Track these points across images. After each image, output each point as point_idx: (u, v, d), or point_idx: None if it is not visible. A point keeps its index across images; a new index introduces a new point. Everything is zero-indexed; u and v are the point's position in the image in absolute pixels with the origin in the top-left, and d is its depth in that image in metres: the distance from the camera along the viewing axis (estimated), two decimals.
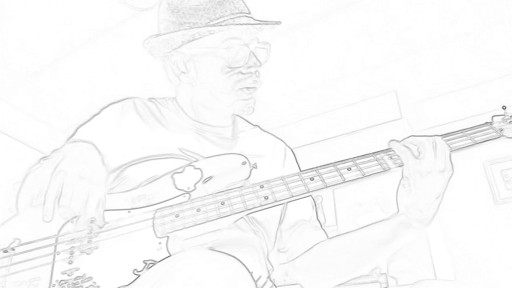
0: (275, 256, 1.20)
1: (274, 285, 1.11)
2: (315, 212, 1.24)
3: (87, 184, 0.95)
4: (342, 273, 1.12)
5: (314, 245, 1.17)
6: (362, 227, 1.12)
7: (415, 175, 1.02)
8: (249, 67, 1.15)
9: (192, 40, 1.15)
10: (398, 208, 1.07)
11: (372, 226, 1.10)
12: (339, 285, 1.14)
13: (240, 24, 1.13)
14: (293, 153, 1.30)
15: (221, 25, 1.12)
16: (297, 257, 1.17)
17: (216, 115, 1.20)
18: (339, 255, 1.12)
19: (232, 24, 1.12)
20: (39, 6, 2.25)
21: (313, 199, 1.26)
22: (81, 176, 0.95)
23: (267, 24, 1.16)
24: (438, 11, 2.41)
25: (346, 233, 1.15)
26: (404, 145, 1.05)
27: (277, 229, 1.20)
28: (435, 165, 1.01)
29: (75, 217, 0.94)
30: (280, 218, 1.21)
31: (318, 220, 1.25)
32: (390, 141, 1.08)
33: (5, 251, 0.96)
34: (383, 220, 1.09)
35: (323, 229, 1.22)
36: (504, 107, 1.13)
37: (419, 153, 1.03)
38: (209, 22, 1.13)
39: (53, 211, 0.92)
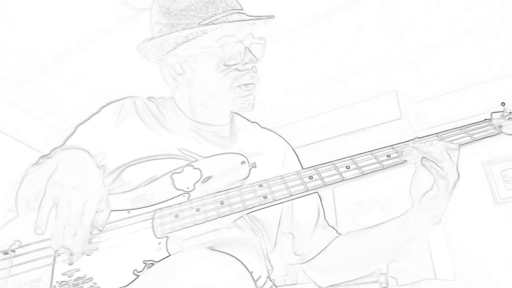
0: (285, 256, 1.21)
1: (274, 285, 1.11)
2: (322, 211, 1.25)
3: (82, 195, 0.95)
4: (362, 271, 1.14)
5: (328, 245, 1.18)
6: (378, 226, 1.13)
7: (446, 189, 1.04)
8: (246, 63, 1.15)
9: (186, 41, 1.16)
10: (412, 199, 1.08)
11: (389, 225, 1.11)
12: (339, 284, 1.15)
13: (233, 22, 1.13)
14: (294, 150, 1.30)
15: (214, 24, 1.12)
16: (312, 258, 1.18)
17: (214, 113, 1.20)
18: (360, 256, 1.13)
19: (226, 21, 1.12)
20: (39, 6, 2.25)
21: (320, 197, 1.27)
22: (76, 187, 0.95)
23: (259, 19, 1.16)
24: (439, 11, 2.40)
25: (363, 230, 1.16)
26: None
27: (278, 231, 1.20)
28: (456, 178, 1.03)
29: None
30: (280, 221, 1.21)
31: (325, 218, 1.25)
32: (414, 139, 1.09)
33: (6, 253, 0.96)
34: (396, 218, 1.10)
35: (331, 226, 1.23)
36: (503, 104, 1.13)
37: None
38: (201, 22, 1.13)
39: (46, 223, 0.92)
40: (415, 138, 1.09)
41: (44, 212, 0.91)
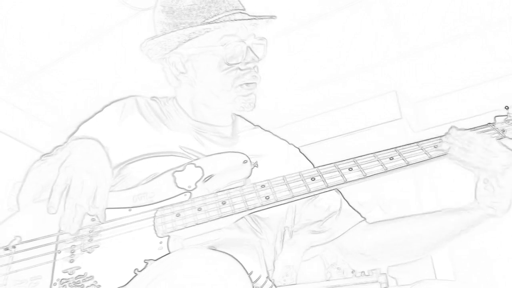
0: (304, 238, 1.20)
1: (274, 285, 1.11)
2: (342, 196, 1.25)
3: (95, 178, 0.96)
4: (409, 257, 1.14)
5: (368, 226, 1.17)
6: (435, 213, 1.12)
7: (495, 175, 1.03)
8: (247, 63, 1.16)
9: (189, 40, 1.16)
10: (479, 204, 1.08)
11: (448, 215, 1.11)
12: (340, 285, 1.15)
13: (236, 20, 1.14)
14: (299, 148, 1.30)
15: (216, 22, 1.12)
16: (340, 236, 1.17)
17: (216, 113, 1.21)
18: (411, 242, 1.13)
19: (228, 20, 1.13)
20: (39, 6, 2.25)
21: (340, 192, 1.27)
22: (89, 171, 0.96)
23: (262, 18, 1.17)
24: (439, 11, 2.41)
25: (417, 215, 1.16)
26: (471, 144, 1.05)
27: (283, 226, 1.20)
28: (507, 159, 1.02)
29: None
30: (286, 216, 1.21)
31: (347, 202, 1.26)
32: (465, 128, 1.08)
33: (6, 249, 0.96)
34: (460, 209, 1.10)
35: (361, 215, 1.23)
36: (506, 107, 1.13)
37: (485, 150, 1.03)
38: (204, 21, 1.14)
39: (59, 203, 0.93)
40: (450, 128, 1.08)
41: (57, 192, 0.93)
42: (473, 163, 1.04)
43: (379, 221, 1.19)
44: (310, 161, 1.26)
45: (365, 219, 1.21)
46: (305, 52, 2.66)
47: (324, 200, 1.22)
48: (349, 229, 1.18)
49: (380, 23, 2.48)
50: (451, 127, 1.08)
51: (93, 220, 0.98)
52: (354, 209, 1.24)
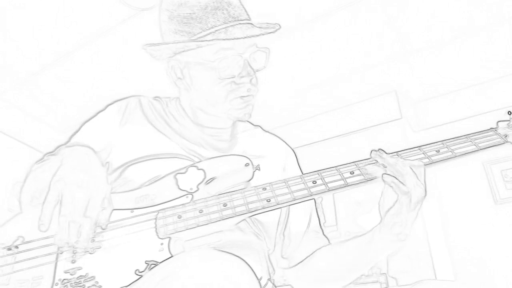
0: (277, 259, 1.20)
1: (274, 285, 1.11)
2: (315, 219, 1.23)
3: (86, 192, 0.95)
4: (333, 284, 1.13)
5: (311, 254, 1.16)
6: (350, 240, 1.11)
7: (408, 205, 1.02)
8: (242, 77, 1.12)
9: (183, 51, 1.14)
10: (380, 215, 1.06)
11: (358, 240, 1.10)
12: None
13: (228, 39, 1.09)
14: (295, 154, 1.29)
15: (207, 40, 1.08)
16: (296, 264, 1.17)
17: (215, 118, 1.19)
18: (331, 269, 1.12)
19: (219, 39, 1.09)
20: (40, 6, 2.25)
21: (315, 204, 1.25)
22: (79, 185, 0.95)
23: (261, 34, 1.13)
24: (439, 11, 2.41)
25: (339, 243, 1.15)
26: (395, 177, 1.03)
27: (276, 232, 1.20)
28: (422, 194, 1.01)
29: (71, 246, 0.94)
30: (279, 222, 1.20)
31: (320, 225, 1.23)
32: (383, 175, 1.05)
33: (9, 249, 0.96)
34: (365, 234, 1.09)
35: (324, 234, 1.21)
36: (509, 113, 1.12)
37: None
38: (200, 32, 1.11)
39: (50, 220, 0.92)
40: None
41: (48, 208, 0.92)
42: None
43: (324, 246, 1.18)
44: (301, 170, 1.24)
45: (329, 243, 1.18)
46: (305, 52, 2.66)
47: (293, 222, 1.19)
48: (303, 259, 1.16)
49: (380, 24, 2.49)
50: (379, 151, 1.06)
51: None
52: (322, 232, 1.22)
